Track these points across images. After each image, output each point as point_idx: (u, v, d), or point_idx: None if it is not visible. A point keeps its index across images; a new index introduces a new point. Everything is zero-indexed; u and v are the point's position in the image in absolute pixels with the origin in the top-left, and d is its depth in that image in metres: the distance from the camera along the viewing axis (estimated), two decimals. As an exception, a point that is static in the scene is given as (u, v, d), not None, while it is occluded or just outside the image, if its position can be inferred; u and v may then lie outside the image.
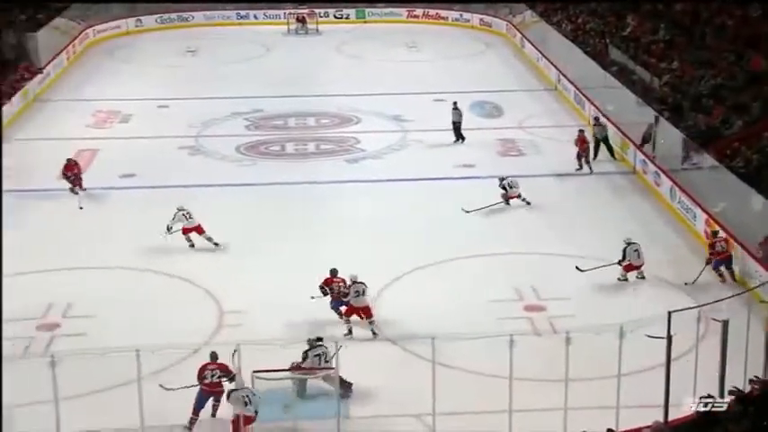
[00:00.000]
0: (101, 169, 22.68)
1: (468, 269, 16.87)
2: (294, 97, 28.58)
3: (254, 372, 11.58)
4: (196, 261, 17.14)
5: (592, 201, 20.73)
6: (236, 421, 11.47)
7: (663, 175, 20.67)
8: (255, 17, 40.03)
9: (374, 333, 14.41)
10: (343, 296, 14.59)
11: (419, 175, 21.95)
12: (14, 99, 27.01)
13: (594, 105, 25.74)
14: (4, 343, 13.57)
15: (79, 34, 35.40)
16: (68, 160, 20.85)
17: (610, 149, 23.10)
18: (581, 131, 22.54)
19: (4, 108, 25.89)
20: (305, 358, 12.40)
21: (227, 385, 11.95)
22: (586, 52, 29.06)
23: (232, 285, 16.11)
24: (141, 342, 11.37)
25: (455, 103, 24.78)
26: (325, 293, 14.73)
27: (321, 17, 39.64)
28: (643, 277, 16.34)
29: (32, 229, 18.83)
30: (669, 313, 10.74)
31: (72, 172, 20.68)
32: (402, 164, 23.06)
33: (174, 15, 39.58)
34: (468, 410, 12.16)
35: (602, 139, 23.07)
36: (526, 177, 21.99)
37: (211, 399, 12.15)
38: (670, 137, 21.47)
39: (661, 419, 10.84)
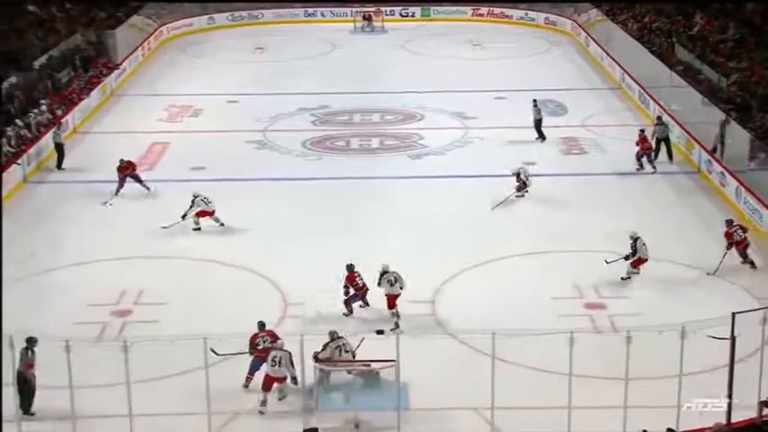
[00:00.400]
0: (172, 162, 23.11)
1: (529, 266, 16.73)
2: (359, 94, 28.69)
3: (316, 363, 11.70)
4: (260, 253, 17.31)
5: (655, 200, 20.34)
6: (266, 378, 12.34)
7: (728, 176, 20.18)
8: (323, 15, 40.32)
9: (397, 325, 14.29)
10: (361, 289, 14.87)
11: (481, 172, 21.83)
12: (93, 93, 27.71)
13: (659, 105, 25.25)
14: (81, 327, 14.00)
15: (154, 31, 36.11)
16: (121, 161, 20.71)
17: (669, 151, 22.57)
18: (641, 131, 22.12)
19: (83, 102, 26.60)
20: (324, 348, 12.53)
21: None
22: (652, 51, 28.50)
23: (294, 277, 16.25)
24: (209, 330, 11.57)
25: (535, 101, 24.39)
26: (347, 293, 14.92)
27: (387, 15, 39.73)
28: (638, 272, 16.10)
29: (106, 220, 19.27)
30: (733, 314, 10.50)
31: (124, 173, 20.60)
32: (464, 160, 22.97)
33: (244, 13, 40.11)
34: (527, 406, 12.07)
35: (663, 139, 22.58)
36: (588, 176, 21.74)
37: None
38: (737, 137, 20.94)
39: (723, 421, 10.61)
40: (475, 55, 34.59)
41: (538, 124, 24.27)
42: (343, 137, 25.04)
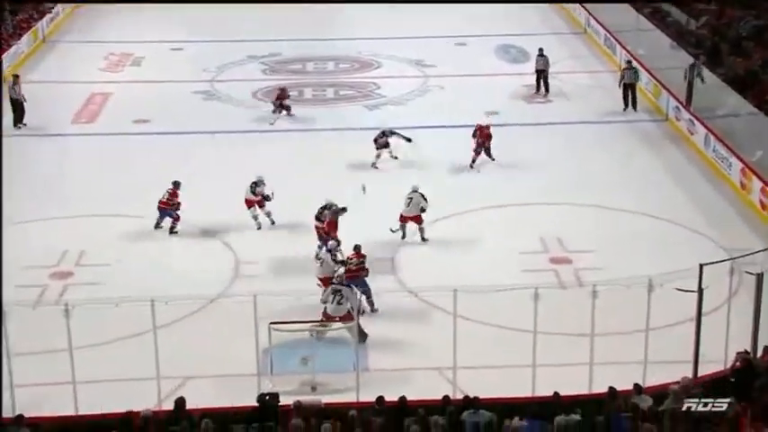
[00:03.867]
0: (114, 114, 22.72)
1: (492, 220, 16.82)
2: (312, 41, 28.34)
3: (272, 323, 11.68)
4: (211, 213, 17.11)
5: (620, 148, 20.51)
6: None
7: (697, 123, 20.39)
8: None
9: (423, 239, 15.68)
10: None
11: (441, 122, 21.78)
12: (23, 39, 26.96)
13: (626, 50, 25.33)
14: (16, 289, 13.76)
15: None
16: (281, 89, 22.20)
17: (633, 98, 22.50)
18: (484, 127, 19.62)
19: (12, 48, 25.82)
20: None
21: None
22: (618, -7, 28.50)
23: (247, 236, 16.16)
24: (156, 293, 11.46)
25: (541, 50, 23.90)
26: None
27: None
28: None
29: (44, 174, 18.90)
30: (701, 266, 10.65)
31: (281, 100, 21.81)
32: (424, 110, 22.91)
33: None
34: (490, 365, 12.19)
35: (630, 86, 22.61)
36: (553, 125, 21.80)
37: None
38: (707, 82, 21.11)
39: (690, 375, 10.82)
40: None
41: (540, 75, 23.84)
42: (295, 86, 24.77)
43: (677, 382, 10.50)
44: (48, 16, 29.39)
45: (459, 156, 19.53)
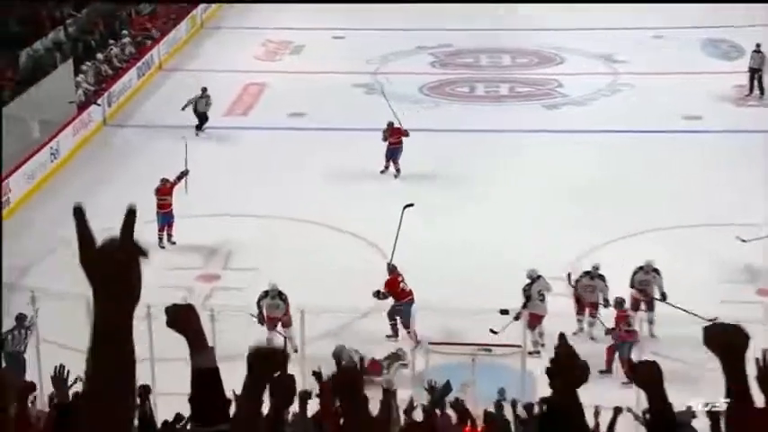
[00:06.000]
0: (268, 106, 23.39)
1: (687, 239, 16.14)
2: (488, 31, 28.21)
3: (431, 343, 11.68)
4: (363, 212, 17.26)
5: None
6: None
7: None
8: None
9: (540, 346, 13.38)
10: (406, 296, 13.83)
11: (630, 127, 21.16)
12: (182, 25, 28.31)
13: None
14: (161, 290, 14.30)
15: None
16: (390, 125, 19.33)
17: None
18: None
19: (170, 34, 27.08)
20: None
21: None
22: None
23: (403, 241, 16.12)
24: (304, 300, 11.64)
25: (758, 46, 22.98)
26: (384, 297, 13.86)
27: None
28: None
29: (196, 170, 19.55)
30: None
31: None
32: (610, 113, 22.36)
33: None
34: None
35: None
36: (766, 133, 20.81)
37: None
38: None
39: None
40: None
41: (754, 74, 22.99)
42: (466, 82, 24.76)
43: None
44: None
45: (649, 167, 18.90)
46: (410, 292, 13.77)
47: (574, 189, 17.89)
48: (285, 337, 12.94)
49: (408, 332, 13.60)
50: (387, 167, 19.23)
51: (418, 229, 15.80)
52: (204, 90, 21.51)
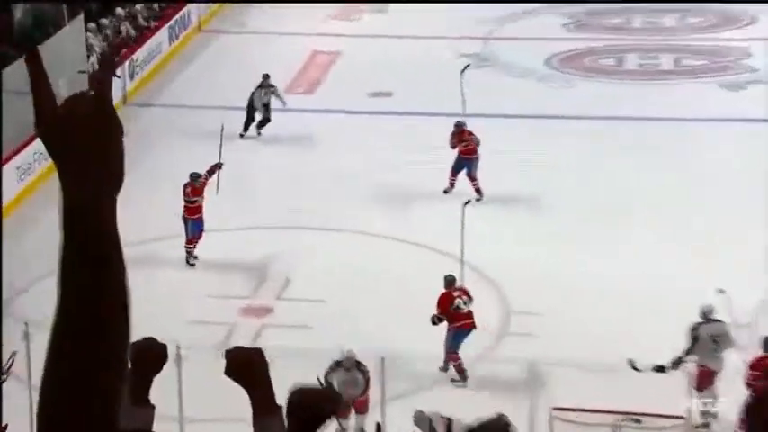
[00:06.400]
0: (342, 83, 23.44)
1: None
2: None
3: (554, 408, 11.76)
4: (450, 225, 16.99)
5: None
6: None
7: None
8: None
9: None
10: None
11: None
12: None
13: None
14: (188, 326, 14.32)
15: None
16: None
17: None
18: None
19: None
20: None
21: None
22: None
23: (505, 267, 16.23)
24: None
25: None
26: (439, 321, 14.29)
27: None
28: None
29: (244, 167, 19.57)
30: None
31: None
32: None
33: None
34: None
35: None
36: None
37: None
38: None
39: None
40: None
41: None
42: (613, 51, 24.73)
43: None
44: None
45: None
46: (467, 315, 14.18)
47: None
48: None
49: (449, 363, 14.21)
50: (452, 185, 18.67)
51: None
52: (266, 78, 21.27)
